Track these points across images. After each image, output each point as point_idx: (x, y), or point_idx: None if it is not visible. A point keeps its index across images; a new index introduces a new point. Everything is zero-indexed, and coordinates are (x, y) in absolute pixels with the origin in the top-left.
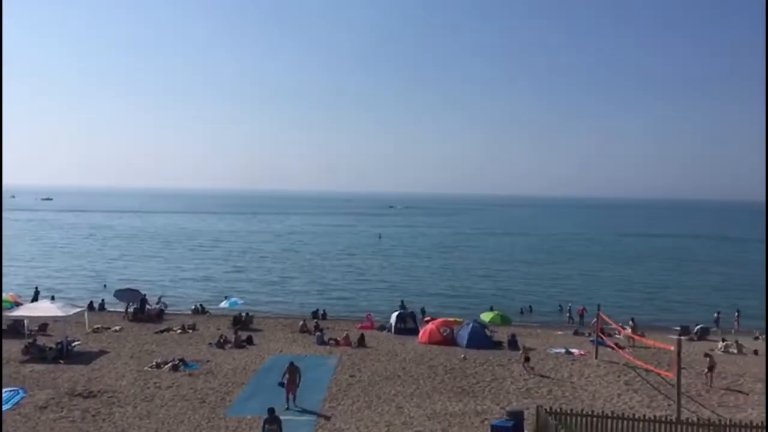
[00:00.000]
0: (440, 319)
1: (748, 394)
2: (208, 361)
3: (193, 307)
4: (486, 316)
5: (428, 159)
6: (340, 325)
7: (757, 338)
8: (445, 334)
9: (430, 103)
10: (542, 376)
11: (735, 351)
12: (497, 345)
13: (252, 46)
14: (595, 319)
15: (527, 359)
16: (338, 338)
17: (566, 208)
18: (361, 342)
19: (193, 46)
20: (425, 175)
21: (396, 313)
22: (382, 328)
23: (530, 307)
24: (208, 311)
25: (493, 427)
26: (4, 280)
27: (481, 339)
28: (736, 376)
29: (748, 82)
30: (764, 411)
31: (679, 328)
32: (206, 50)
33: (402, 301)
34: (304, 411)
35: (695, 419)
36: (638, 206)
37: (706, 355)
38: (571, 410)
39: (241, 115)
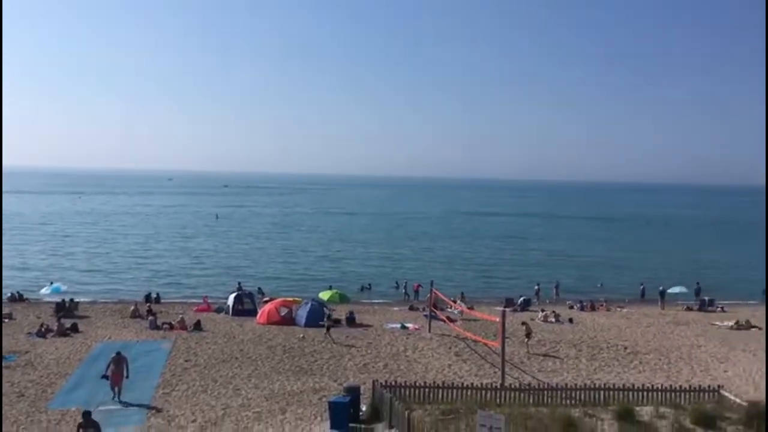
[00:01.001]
0: (279, 299)
1: (563, 359)
2: (27, 352)
3: (9, 294)
4: (324, 295)
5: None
6: (175, 309)
7: (571, 307)
8: (283, 314)
9: (269, 78)
10: (379, 351)
11: (553, 320)
12: (336, 323)
13: None
14: (429, 295)
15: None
16: (173, 322)
17: (418, 189)
18: (197, 325)
19: None
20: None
21: (233, 295)
22: (219, 310)
23: (369, 285)
24: (27, 299)
25: (330, 403)
26: None
27: (319, 318)
28: (553, 344)
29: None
30: (575, 374)
31: (504, 301)
32: None
33: (239, 283)
34: (131, 403)
35: (518, 384)
36: (489, 187)
37: (523, 323)
38: (405, 382)
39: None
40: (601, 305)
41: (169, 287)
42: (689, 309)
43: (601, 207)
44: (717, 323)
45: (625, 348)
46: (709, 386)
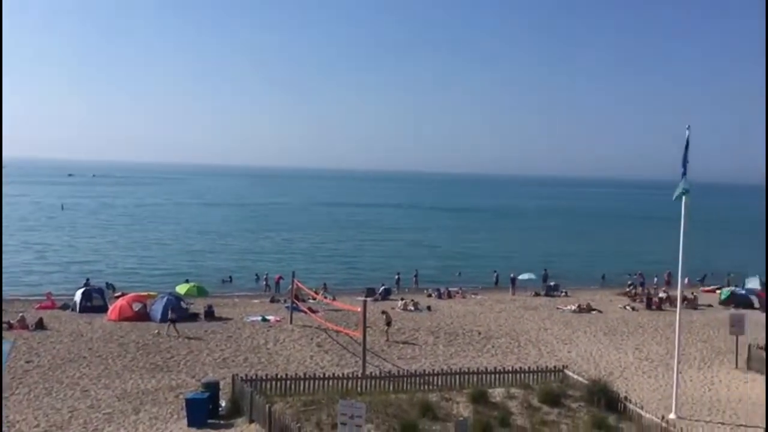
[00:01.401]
0: (132, 294)
1: (422, 346)
2: None
3: None
4: (181, 289)
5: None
6: (15, 307)
7: (430, 295)
8: (137, 309)
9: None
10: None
11: (412, 308)
12: (194, 317)
13: None
14: (290, 286)
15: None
16: (12, 321)
17: (274, 179)
18: (40, 324)
19: None
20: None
21: (81, 290)
22: (65, 307)
23: (230, 277)
24: None
25: (187, 400)
26: None
27: (178, 313)
28: (412, 331)
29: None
30: (433, 360)
31: (365, 291)
32: None
33: (87, 278)
34: None
35: (378, 372)
36: (355, 178)
37: (383, 312)
38: (266, 375)
39: None
40: (458, 293)
41: (7, 285)
42: (537, 294)
43: (466, 198)
44: (561, 307)
45: (479, 333)
46: (554, 367)
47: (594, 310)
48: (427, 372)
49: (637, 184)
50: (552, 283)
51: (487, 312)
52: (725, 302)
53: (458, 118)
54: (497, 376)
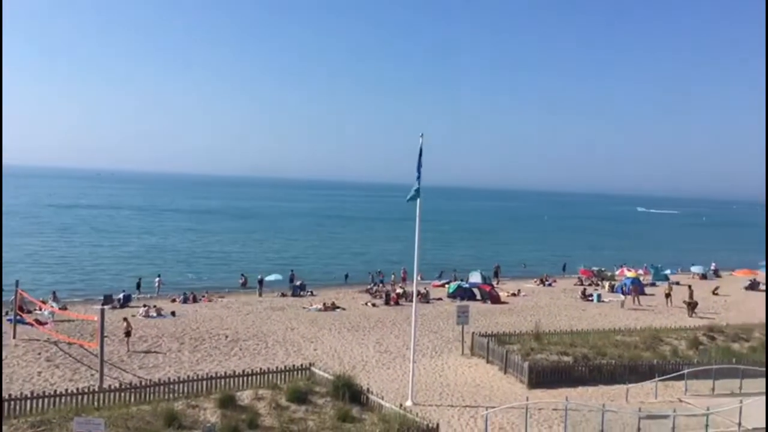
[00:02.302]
0: None
1: (166, 354)
2: None
3: None
4: None
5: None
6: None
7: (174, 300)
8: None
9: None
10: None
11: (155, 315)
12: None
13: None
14: (13, 297)
15: None
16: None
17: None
18: None
19: None
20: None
21: None
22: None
23: None
24: None
25: None
26: None
27: None
28: (155, 339)
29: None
30: (178, 368)
31: (102, 298)
32: None
33: None
34: None
35: (118, 384)
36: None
37: (124, 319)
38: None
39: None
40: (204, 297)
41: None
42: (284, 295)
43: (196, 200)
44: (308, 306)
45: (227, 336)
46: (301, 365)
47: (338, 307)
48: (171, 380)
49: (376, 187)
50: (298, 283)
51: (234, 315)
52: (452, 295)
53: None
54: (245, 378)
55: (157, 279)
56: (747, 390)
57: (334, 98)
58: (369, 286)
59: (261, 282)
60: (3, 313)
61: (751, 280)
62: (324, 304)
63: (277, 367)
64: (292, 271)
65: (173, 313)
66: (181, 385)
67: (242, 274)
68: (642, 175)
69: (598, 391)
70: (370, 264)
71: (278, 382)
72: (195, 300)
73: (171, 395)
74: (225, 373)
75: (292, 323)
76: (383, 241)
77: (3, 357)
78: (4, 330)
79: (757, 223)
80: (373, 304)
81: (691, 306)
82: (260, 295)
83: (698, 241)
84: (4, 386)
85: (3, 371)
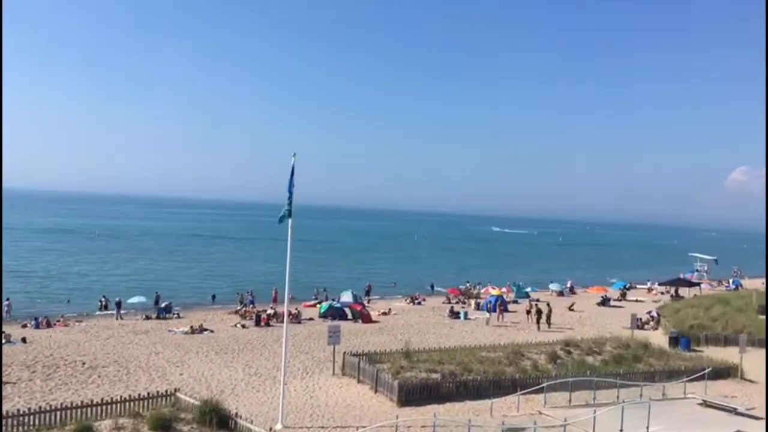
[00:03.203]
0: None
1: (15, 383)
2: None
3: None
4: None
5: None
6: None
7: (25, 326)
8: None
9: None
10: None
11: (3, 341)
12: None
13: None
14: None
15: None
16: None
17: None
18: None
19: None
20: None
21: None
22: None
23: None
24: None
25: None
26: None
27: None
28: (3, 368)
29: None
30: (29, 398)
31: None
32: None
33: None
34: None
35: None
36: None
37: None
38: None
39: None
40: (59, 321)
41: None
42: (149, 317)
43: (51, 218)
44: (174, 329)
45: (84, 363)
46: (166, 391)
47: (206, 330)
48: (21, 412)
49: (241, 206)
50: (164, 305)
51: (92, 340)
52: (324, 315)
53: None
54: (103, 407)
55: (6, 302)
56: (600, 401)
57: (207, 113)
58: (238, 308)
59: (119, 305)
60: None
61: (602, 297)
62: (191, 326)
63: (139, 395)
64: (157, 292)
65: (24, 340)
66: (31, 417)
67: (102, 296)
68: (483, 195)
69: (465, 406)
70: (240, 284)
71: (140, 409)
72: (49, 325)
73: (20, 428)
74: (81, 402)
75: (157, 347)
76: (254, 262)
77: None
78: None
79: (609, 243)
80: (243, 326)
81: (538, 318)
82: (119, 318)
83: (556, 259)
84: None
85: None
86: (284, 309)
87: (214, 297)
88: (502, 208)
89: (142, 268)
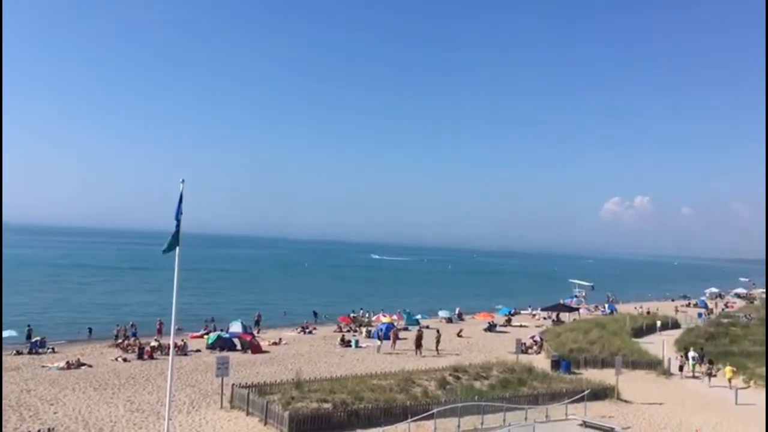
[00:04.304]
0: None
1: None
2: None
3: None
4: None
5: None
6: None
7: None
8: None
9: None
10: None
11: None
12: None
13: None
14: None
15: None
16: None
17: None
18: None
19: None
20: None
21: None
22: None
23: None
24: None
25: None
26: None
27: None
28: None
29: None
30: None
31: None
32: None
33: None
34: None
35: None
36: None
37: None
38: None
39: None
40: None
41: None
42: (20, 353)
43: None
44: (48, 365)
45: None
46: (39, 430)
47: (84, 364)
48: None
49: (132, 233)
50: (37, 339)
51: None
52: (212, 346)
53: None
54: None
55: None
56: (488, 425)
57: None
58: (120, 341)
59: None
60: None
61: (489, 323)
62: (67, 361)
63: None
64: (29, 326)
65: None
66: None
67: None
68: (364, 223)
69: None
70: (121, 317)
71: None
72: None
73: None
74: None
75: (29, 384)
76: (137, 292)
77: None
78: None
79: (495, 271)
80: (125, 359)
81: (418, 344)
82: None
83: (445, 286)
84: None
85: None
86: (170, 340)
87: (90, 330)
88: (379, 236)
89: (13, 301)
